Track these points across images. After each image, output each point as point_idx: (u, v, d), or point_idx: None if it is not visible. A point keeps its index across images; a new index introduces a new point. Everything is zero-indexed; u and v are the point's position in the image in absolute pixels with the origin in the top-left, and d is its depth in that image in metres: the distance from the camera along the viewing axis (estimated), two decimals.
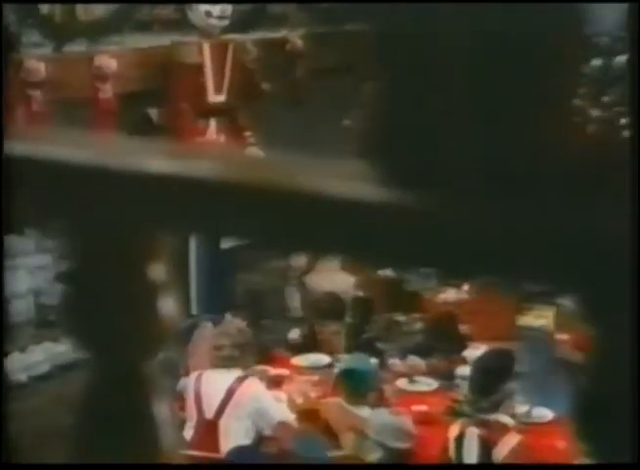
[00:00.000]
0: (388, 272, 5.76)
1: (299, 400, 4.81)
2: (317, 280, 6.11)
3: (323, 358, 5.36)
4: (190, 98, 6.88)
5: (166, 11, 7.08)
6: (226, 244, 6.36)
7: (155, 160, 0.70)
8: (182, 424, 4.59)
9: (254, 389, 4.66)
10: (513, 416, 4.55)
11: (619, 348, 0.62)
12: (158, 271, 0.70)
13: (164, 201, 0.70)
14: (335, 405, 4.65)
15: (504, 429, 4.40)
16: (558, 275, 0.61)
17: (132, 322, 0.71)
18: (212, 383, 4.66)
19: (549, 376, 5.11)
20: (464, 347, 5.28)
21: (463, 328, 5.52)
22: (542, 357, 5.18)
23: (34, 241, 6.63)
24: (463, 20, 0.57)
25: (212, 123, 7.09)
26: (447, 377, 5.12)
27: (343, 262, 5.24)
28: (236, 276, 6.83)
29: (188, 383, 4.74)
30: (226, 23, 6.97)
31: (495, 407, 4.39)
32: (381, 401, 4.80)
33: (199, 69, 6.90)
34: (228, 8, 6.92)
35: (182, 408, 4.67)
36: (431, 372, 5.23)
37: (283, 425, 4.59)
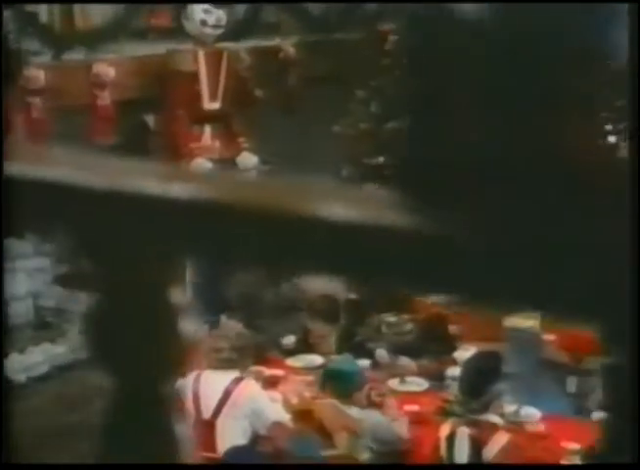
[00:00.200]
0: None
1: (294, 401, 4.80)
2: (311, 282, 6.09)
3: (316, 359, 5.35)
4: (185, 105, 6.88)
5: (163, 20, 7.07)
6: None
7: (151, 181, 0.69)
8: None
9: (251, 389, 4.65)
10: (502, 416, 4.55)
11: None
12: (177, 294, 0.69)
13: (169, 223, 0.68)
14: (329, 406, 4.64)
15: (494, 428, 4.40)
16: (577, 302, 0.60)
17: (154, 344, 0.70)
18: (210, 383, 4.64)
19: (537, 376, 5.11)
20: (454, 348, 5.28)
21: (453, 328, 5.51)
22: (530, 358, 5.18)
23: (33, 244, 6.61)
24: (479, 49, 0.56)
25: (207, 129, 7.09)
26: (438, 378, 5.12)
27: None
28: (230, 278, 6.81)
29: (186, 383, 4.72)
30: (221, 31, 6.97)
31: (485, 408, 4.39)
32: (370, 402, 4.80)
33: (194, 76, 6.90)
34: (223, 17, 6.91)
35: (181, 408, 4.64)
36: (421, 373, 5.22)
37: (278, 425, 4.57)
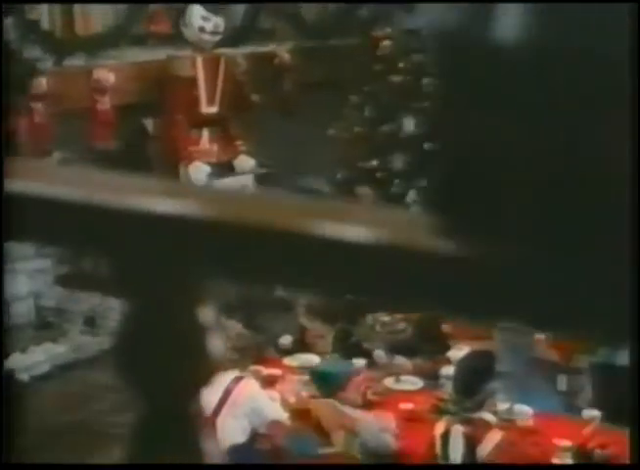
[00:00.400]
0: None
1: (292, 400, 4.78)
2: None
3: (313, 359, 5.34)
4: (184, 109, 6.88)
5: (162, 26, 7.06)
6: None
7: (155, 198, 0.67)
8: None
9: (251, 389, 4.63)
10: (495, 413, 4.54)
11: None
12: (205, 314, 0.67)
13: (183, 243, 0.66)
14: (326, 405, 4.63)
15: (487, 426, 4.39)
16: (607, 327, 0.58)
17: (182, 363, 0.68)
18: None
19: (528, 375, 5.10)
20: (447, 347, 5.26)
21: (446, 328, 5.50)
22: (521, 357, 5.17)
23: (34, 246, 6.59)
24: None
25: (205, 133, 7.09)
26: (432, 377, 5.10)
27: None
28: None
29: None
30: (218, 38, 6.97)
31: (479, 406, 4.38)
32: (366, 401, 4.79)
33: (192, 81, 6.90)
34: (221, 24, 6.92)
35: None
36: (416, 372, 5.21)
37: (276, 423, 4.56)
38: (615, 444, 4.23)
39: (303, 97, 7.45)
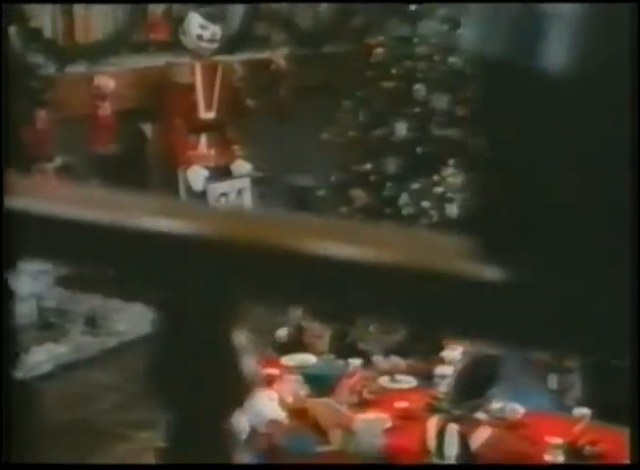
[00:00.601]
0: None
1: (290, 399, 4.77)
2: None
3: (310, 358, 5.32)
4: (182, 115, 6.86)
5: (161, 34, 7.05)
6: None
7: (155, 217, 0.65)
8: None
9: None
10: (487, 412, 4.53)
11: None
12: (239, 336, 0.66)
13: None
14: (323, 404, 4.62)
15: (479, 424, 4.38)
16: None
17: (216, 383, 0.66)
18: None
19: (520, 373, 5.09)
20: (441, 347, 5.25)
21: None
22: (515, 356, 5.16)
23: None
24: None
25: (203, 138, 7.07)
26: (426, 376, 5.09)
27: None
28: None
29: None
30: (216, 45, 6.97)
31: (475, 408, 4.37)
32: (361, 399, 4.78)
33: (190, 88, 6.89)
34: (218, 32, 6.92)
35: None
36: (410, 371, 5.20)
37: (274, 422, 4.55)
38: (604, 441, 4.23)
39: (298, 102, 7.45)
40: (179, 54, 6.96)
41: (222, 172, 7.13)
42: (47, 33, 6.15)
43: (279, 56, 7.64)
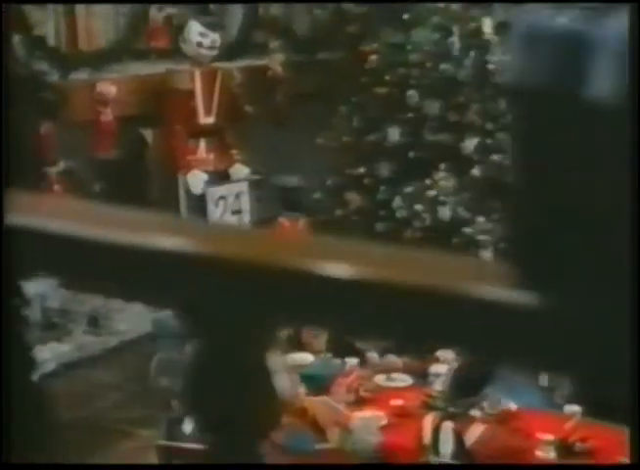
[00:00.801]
0: None
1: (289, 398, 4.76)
2: None
3: (308, 357, 5.31)
4: (182, 120, 6.86)
5: (162, 42, 7.05)
6: None
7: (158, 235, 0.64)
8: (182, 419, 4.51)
9: None
10: (481, 409, 4.53)
11: None
12: (273, 358, 0.65)
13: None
14: (321, 403, 4.61)
15: (473, 420, 4.38)
16: None
17: (250, 405, 0.65)
18: None
19: (514, 372, 5.09)
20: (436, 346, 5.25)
21: None
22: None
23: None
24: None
25: (202, 143, 7.07)
26: (421, 374, 5.09)
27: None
28: None
29: None
30: (215, 53, 6.97)
31: (470, 406, 4.37)
32: (358, 397, 4.77)
33: (190, 94, 6.89)
34: (217, 39, 6.92)
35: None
36: (406, 370, 5.19)
37: None
38: (595, 437, 4.24)
39: (295, 108, 7.45)
40: (179, 61, 6.96)
41: (221, 176, 7.13)
42: (50, 41, 6.14)
43: (276, 62, 7.64)
